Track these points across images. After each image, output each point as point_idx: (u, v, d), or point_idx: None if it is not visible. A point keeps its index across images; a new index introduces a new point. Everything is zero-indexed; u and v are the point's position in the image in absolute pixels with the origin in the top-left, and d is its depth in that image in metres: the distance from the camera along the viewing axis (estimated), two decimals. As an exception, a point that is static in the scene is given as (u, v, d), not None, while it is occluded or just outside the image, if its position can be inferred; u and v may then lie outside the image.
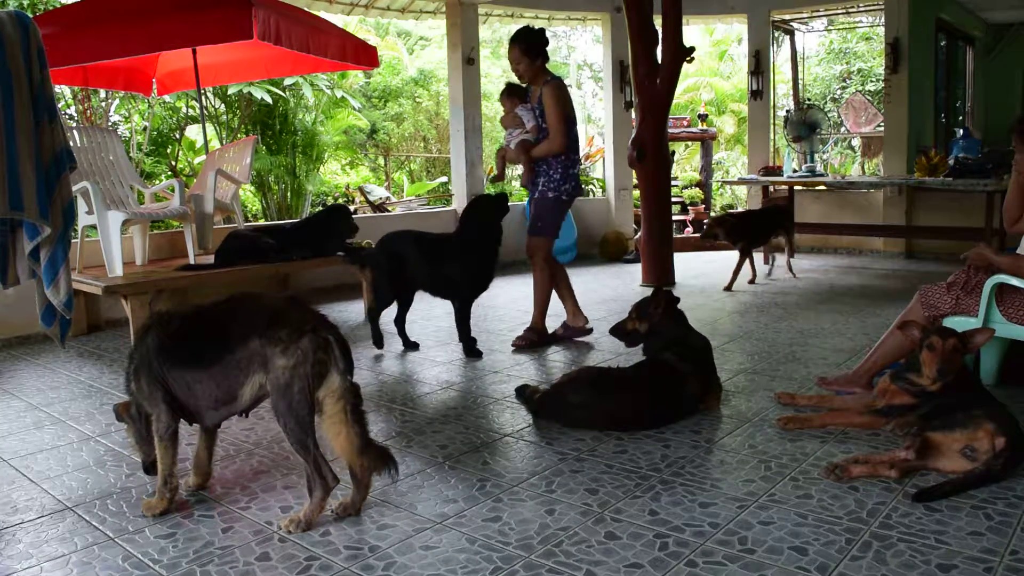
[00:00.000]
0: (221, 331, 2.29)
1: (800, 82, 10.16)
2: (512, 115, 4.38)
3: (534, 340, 4.49)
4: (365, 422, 2.26)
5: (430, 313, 5.44)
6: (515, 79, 4.51)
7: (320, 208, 10.07)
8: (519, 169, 4.90)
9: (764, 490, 2.42)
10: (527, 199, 8.63)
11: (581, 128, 12.07)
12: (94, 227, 5.03)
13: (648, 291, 3.67)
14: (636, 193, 8.14)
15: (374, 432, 3.07)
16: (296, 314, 2.25)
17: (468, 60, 7.83)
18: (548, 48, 4.37)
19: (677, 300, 3.43)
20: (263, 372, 2.22)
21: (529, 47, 4.26)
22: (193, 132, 8.87)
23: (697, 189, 10.29)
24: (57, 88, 6.59)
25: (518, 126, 4.36)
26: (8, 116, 2.67)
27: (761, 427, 3.01)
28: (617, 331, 3.52)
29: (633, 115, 7.46)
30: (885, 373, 3.12)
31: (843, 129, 11.69)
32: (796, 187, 8.12)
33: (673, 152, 7.75)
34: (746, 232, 6.54)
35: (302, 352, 2.16)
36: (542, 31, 4.36)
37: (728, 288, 6.27)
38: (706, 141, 10.56)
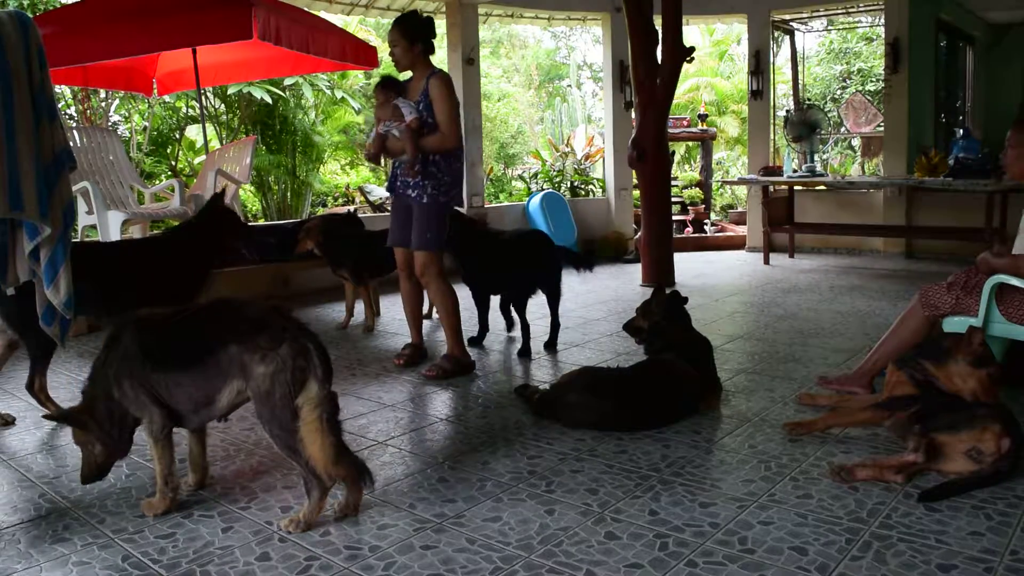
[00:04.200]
0: (200, 336, 2.30)
1: (800, 82, 10.16)
2: (389, 107, 3.99)
3: (449, 370, 3.89)
4: (340, 432, 2.25)
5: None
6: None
7: (320, 208, 10.10)
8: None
9: (764, 490, 2.42)
10: (528, 199, 8.66)
11: (581, 128, 12.07)
12: (94, 227, 5.03)
13: (648, 291, 3.68)
14: (636, 193, 8.15)
15: (374, 433, 3.08)
16: (276, 321, 2.25)
17: (468, 60, 7.83)
18: (434, 40, 3.95)
19: (685, 300, 3.44)
20: (242, 378, 2.22)
21: (407, 30, 3.84)
22: (193, 132, 8.87)
23: (697, 189, 10.29)
24: (57, 88, 6.59)
25: (396, 119, 3.91)
26: (8, 116, 2.67)
27: (761, 427, 3.01)
28: (628, 327, 3.59)
29: (633, 115, 7.46)
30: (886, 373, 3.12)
31: (843, 129, 11.69)
32: (796, 187, 8.13)
33: (673, 152, 7.74)
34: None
35: (281, 359, 2.16)
36: (428, 20, 3.94)
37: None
38: (706, 141, 10.57)
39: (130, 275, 3.57)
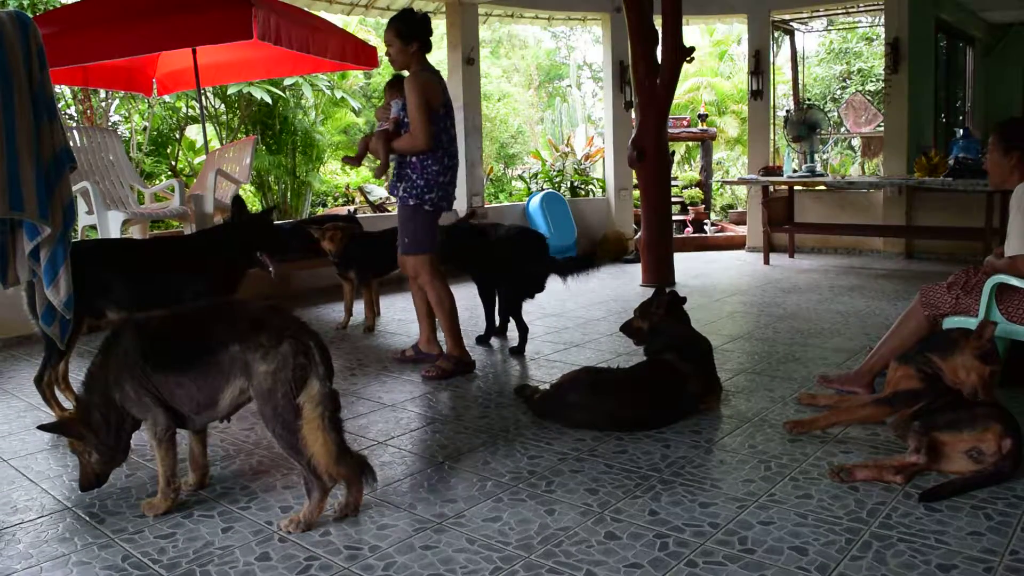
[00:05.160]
0: (200, 336, 2.30)
1: (800, 82, 10.16)
2: (385, 107, 4.03)
3: (449, 370, 3.88)
4: (342, 430, 2.25)
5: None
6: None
7: (320, 208, 10.10)
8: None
9: (764, 490, 2.42)
10: (528, 199, 8.66)
11: (581, 128, 12.05)
12: (94, 227, 5.03)
13: (648, 291, 3.68)
14: (636, 193, 8.15)
15: (374, 433, 3.08)
16: (276, 320, 2.26)
17: (468, 60, 7.83)
18: (431, 38, 3.84)
19: (683, 300, 3.43)
20: (244, 378, 2.23)
21: (402, 30, 3.75)
22: (193, 132, 8.87)
23: (697, 189, 10.29)
24: (57, 88, 6.59)
25: (388, 120, 3.93)
26: (8, 116, 2.67)
27: (761, 427, 3.01)
28: (626, 329, 3.56)
29: (633, 115, 7.46)
30: (887, 373, 3.12)
31: (843, 129, 11.69)
32: (796, 187, 8.13)
33: (673, 152, 7.74)
34: None
35: (282, 357, 2.17)
36: (424, 18, 3.83)
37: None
38: (706, 141, 10.57)
39: (170, 270, 3.56)
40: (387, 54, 3.87)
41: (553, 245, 8.19)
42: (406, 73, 3.84)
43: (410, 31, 3.75)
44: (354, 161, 4.14)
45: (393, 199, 3.98)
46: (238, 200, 3.82)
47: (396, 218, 3.98)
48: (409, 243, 3.87)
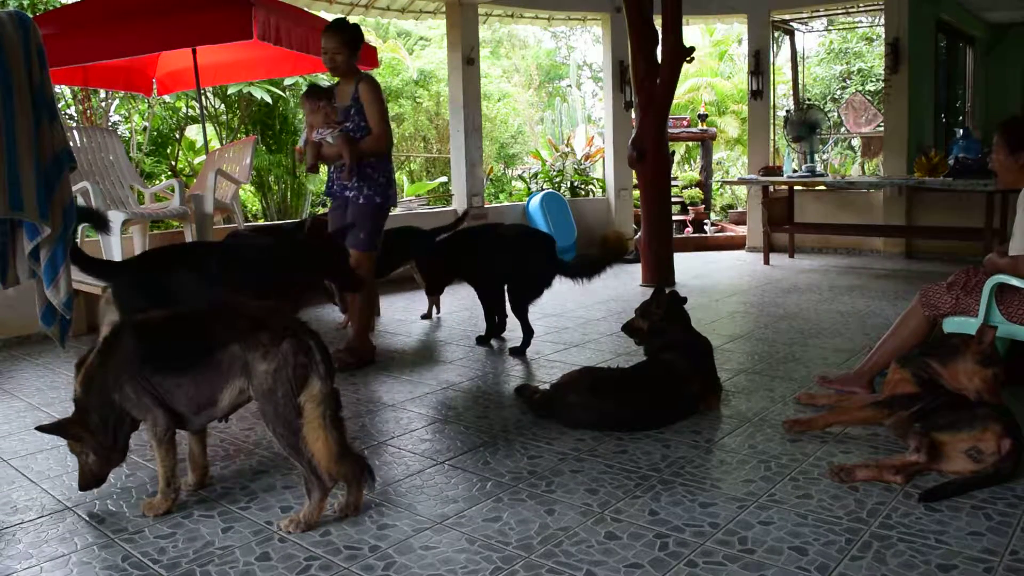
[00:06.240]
0: (201, 336, 2.30)
1: (800, 82, 10.16)
2: (321, 113, 4.04)
3: (349, 361, 4.06)
4: (344, 429, 2.25)
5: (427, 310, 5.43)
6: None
7: (320, 208, 10.10)
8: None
9: (764, 490, 2.42)
10: (528, 199, 8.66)
11: (581, 128, 12.06)
12: (94, 227, 5.01)
13: (648, 291, 3.68)
14: (636, 193, 8.15)
15: (374, 433, 3.08)
16: (276, 320, 2.26)
17: (468, 60, 7.83)
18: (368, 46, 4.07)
19: (684, 300, 3.43)
20: (244, 377, 2.23)
21: (350, 39, 3.95)
22: (193, 132, 8.87)
23: (697, 189, 10.29)
24: (57, 88, 6.59)
25: (330, 124, 3.98)
26: (8, 116, 2.67)
27: (761, 427, 3.01)
28: (627, 329, 3.57)
29: (633, 115, 7.46)
30: (887, 373, 3.12)
31: (843, 129, 11.69)
32: (796, 187, 8.13)
33: (673, 152, 7.74)
34: None
35: (283, 356, 2.17)
36: (358, 27, 4.07)
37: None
38: (706, 141, 10.57)
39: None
40: (331, 60, 4.00)
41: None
42: (323, 81, 3.97)
43: (357, 40, 4.01)
44: (312, 169, 4.22)
45: (350, 197, 4.05)
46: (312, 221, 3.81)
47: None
48: (364, 239, 3.99)
